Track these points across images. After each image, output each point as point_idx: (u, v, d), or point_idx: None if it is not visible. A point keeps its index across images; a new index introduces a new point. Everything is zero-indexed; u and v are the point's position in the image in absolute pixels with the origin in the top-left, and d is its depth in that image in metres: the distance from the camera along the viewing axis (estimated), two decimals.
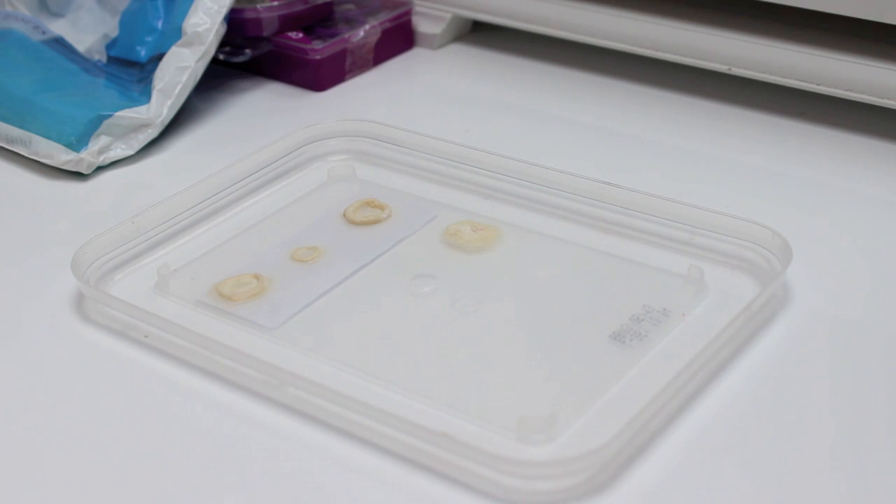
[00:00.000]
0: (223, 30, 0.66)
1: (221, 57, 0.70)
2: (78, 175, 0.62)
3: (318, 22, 0.73)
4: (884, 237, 0.55)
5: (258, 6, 0.70)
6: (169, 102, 0.64)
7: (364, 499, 0.41)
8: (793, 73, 0.63)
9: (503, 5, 0.73)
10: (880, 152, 0.62)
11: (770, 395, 0.45)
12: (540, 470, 0.41)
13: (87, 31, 0.71)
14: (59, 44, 0.69)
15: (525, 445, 0.42)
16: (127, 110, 0.62)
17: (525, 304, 0.51)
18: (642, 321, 0.48)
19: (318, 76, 0.71)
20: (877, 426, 0.44)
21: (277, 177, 0.60)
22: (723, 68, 0.66)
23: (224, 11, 0.65)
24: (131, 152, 0.63)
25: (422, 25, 0.76)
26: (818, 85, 0.63)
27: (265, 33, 0.70)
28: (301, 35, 0.71)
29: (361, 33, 0.72)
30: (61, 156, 0.61)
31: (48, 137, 0.61)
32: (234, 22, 0.69)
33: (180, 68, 0.64)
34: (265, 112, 0.69)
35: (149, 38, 0.67)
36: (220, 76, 0.72)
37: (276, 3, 0.70)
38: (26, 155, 0.62)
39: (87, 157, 0.61)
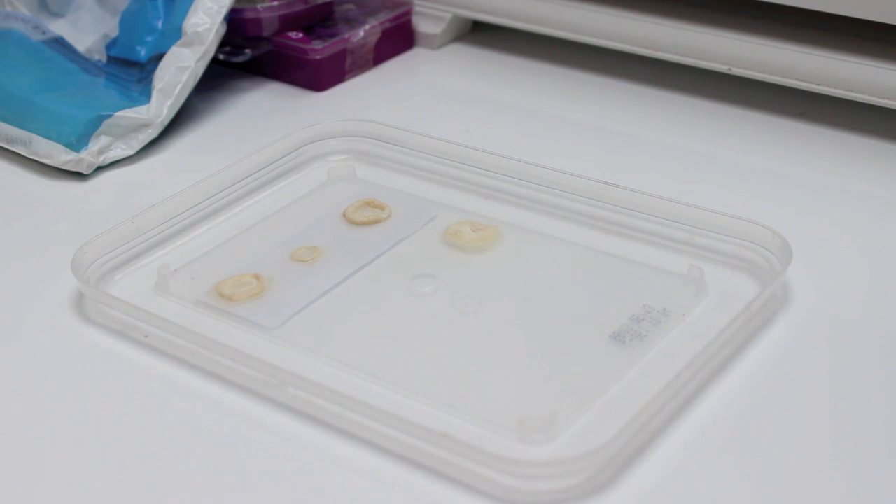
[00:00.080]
0: (223, 30, 0.66)
1: (221, 57, 0.70)
2: (78, 175, 0.62)
3: (318, 22, 0.73)
4: (884, 237, 0.55)
5: (258, 6, 0.70)
6: (169, 102, 0.64)
7: (364, 499, 0.41)
8: (793, 73, 0.63)
9: (503, 5, 0.73)
10: (880, 152, 0.62)
11: (770, 395, 0.45)
12: (540, 470, 0.41)
13: (87, 31, 0.71)
14: (59, 44, 0.69)
15: (525, 445, 0.42)
16: (127, 110, 0.62)
17: (525, 304, 0.51)
18: (642, 321, 0.48)
19: (318, 76, 0.71)
20: (877, 426, 0.44)
21: (277, 177, 0.60)
22: (723, 68, 0.66)
23: (224, 11, 0.65)
24: (131, 152, 0.63)
25: (422, 25, 0.76)
26: (818, 85, 0.63)
27: (265, 33, 0.70)
28: (301, 35, 0.71)
29: (361, 33, 0.72)
30: (61, 156, 0.61)
31: (48, 137, 0.61)
32: (234, 22, 0.69)
33: (180, 68, 0.64)
34: (265, 112, 0.69)
35: (149, 38, 0.67)
36: (220, 76, 0.72)
37: (276, 3, 0.70)
38: (26, 155, 0.62)
39: (87, 157, 0.61)
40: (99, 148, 0.62)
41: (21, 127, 0.62)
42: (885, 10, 0.59)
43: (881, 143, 0.62)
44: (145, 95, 0.64)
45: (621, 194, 0.55)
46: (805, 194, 0.58)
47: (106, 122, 0.62)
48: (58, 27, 0.71)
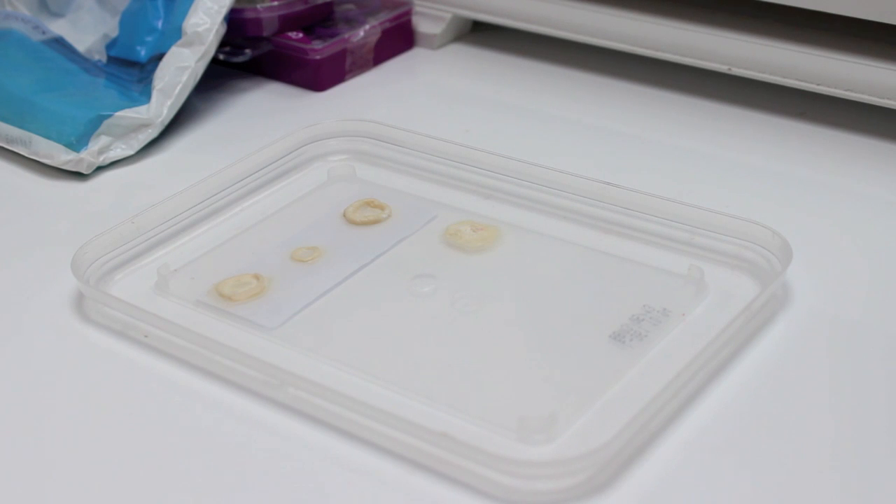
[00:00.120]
0: (223, 30, 0.66)
1: (221, 57, 0.70)
2: (78, 175, 0.62)
3: (318, 22, 0.73)
4: (884, 237, 0.55)
5: (258, 6, 0.70)
6: (169, 102, 0.64)
7: (364, 499, 0.41)
8: (793, 73, 0.63)
9: (503, 5, 0.73)
10: (880, 152, 0.62)
11: (770, 395, 0.45)
12: (540, 470, 0.41)
13: (87, 31, 0.71)
14: (59, 44, 0.69)
15: (525, 445, 0.42)
16: (127, 110, 0.62)
17: (525, 304, 0.51)
18: (642, 321, 0.48)
19: (318, 76, 0.71)
20: (877, 426, 0.44)
21: (277, 177, 0.60)
22: (723, 68, 0.66)
23: (224, 11, 0.65)
24: (131, 152, 0.63)
25: (422, 25, 0.76)
26: (818, 85, 0.63)
27: (265, 33, 0.70)
28: (301, 35, 0.71)
29: (361, 33, 0.72)
30: (61, 156, 0.61)
31: (48, 137, 0.61)
32: (234, 22, 0.69)
33: (180, 68, 0.64)
34: (265, 112, 0.69)
35: (149, 38, 0.67)
36: (220, 76, 0.72)
37: (276, 3, 0.70)
38: (26, 155, 0.62)
39: (87, 157, 0.61)
40: (99, 148, 0.62)
41: (21, 127, 0.62)
42: (885, 10, 0.59)
43: (881, 143, 0.62)
44: (145, 95, 0.64)
45: (621, 194, 0.55)
46: (805, 194, 0.58)
47: (106, 122, 0.62)
48: (58, 27, 0.71)
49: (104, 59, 0.70)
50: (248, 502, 0.41)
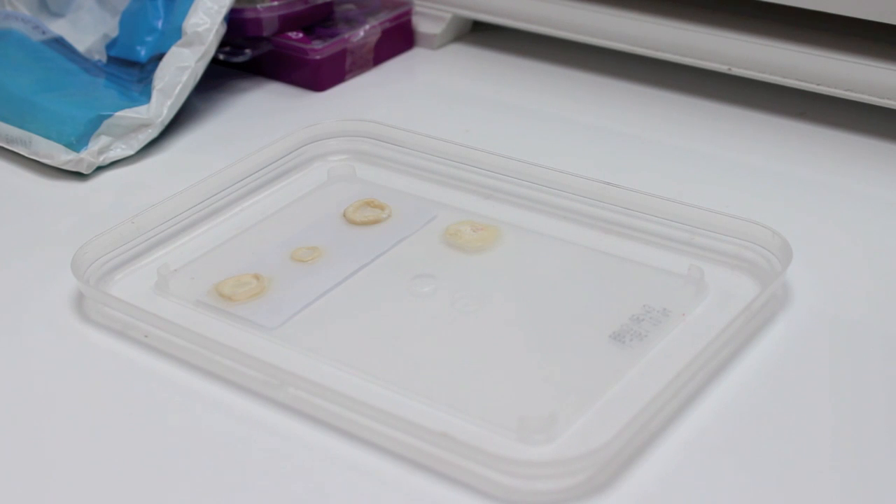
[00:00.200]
0: (223, 30, 0.66)
1: (221, 57, 0.70)
2: (78, 175, 0.62)
3: (318, 22, 0.73)
4: (884, 237, 0.55)
5: (258, 6, 0.70)
6: (169, 102, 0.64)
7: (364, 499, 0.41)
8: (793, 73, 0.63)
9: (503, 5, 0.73)
10: (880, 152, 0.62)
11: (770, 395, 0.45)
12: (540, 470, 0.41)
13: (87, 31, 0.71)
14: (59, 44, 0.69)
15: (525, 445, 0.42)
16: (127, 110, 0.62)
17: (525, 304, 0.51)
18: (642, 321, 0.48)
19: (318, 76, 0.71)
20: (877, 426, 0.44)
21: (277, 177, 0.60)
22: (723, 68, 0.66)
23: (224, 11, 0.65)
24: (131, 152, 0.63)
25: (422, 25, 0.76)
26: (818, 85, 0.63)
27: (265, 33, 0.70)
28: (301, 35, 0.71)
29: (361, 33, 0.72)
30: (61, 156, 0.61)
31: (48, 137, 0.61)
32: (234, 22, 0.69)
33: (180, 68, 0.64)
34: (265, 112, 0.69)
35: (149, 38, 0.67)
36: (220, 76, 0.72)
37: (276, 3, 0.70)
38: (26, 155, 0.62)
39: (87, 157, 0.61)
40: (99, 148, 0.62)
41: (21, 127, 0.62)
42: (885, 10, 0.59)
43: (881, 143, 0.62)
44: (145, 95, 0.64)
45: (621, 194, 0.55)
46: (805, 194, 0.58)
47: (106, 122, 0.62)
48: (58, 27, 0.71)
49: (104, 59, 0.70)
50: (248, 502, 0.41)
